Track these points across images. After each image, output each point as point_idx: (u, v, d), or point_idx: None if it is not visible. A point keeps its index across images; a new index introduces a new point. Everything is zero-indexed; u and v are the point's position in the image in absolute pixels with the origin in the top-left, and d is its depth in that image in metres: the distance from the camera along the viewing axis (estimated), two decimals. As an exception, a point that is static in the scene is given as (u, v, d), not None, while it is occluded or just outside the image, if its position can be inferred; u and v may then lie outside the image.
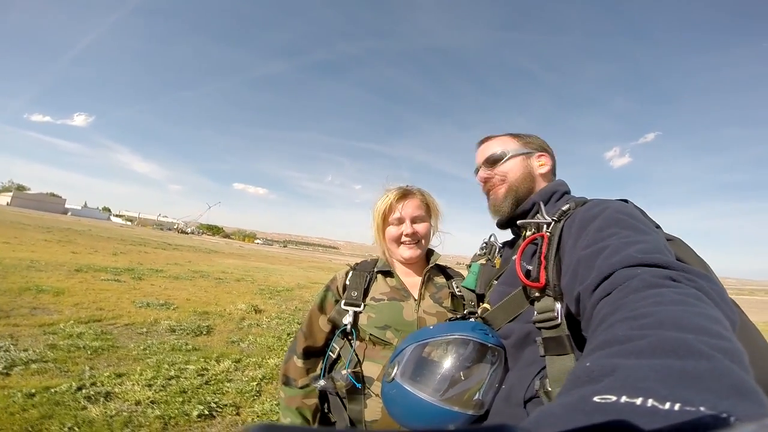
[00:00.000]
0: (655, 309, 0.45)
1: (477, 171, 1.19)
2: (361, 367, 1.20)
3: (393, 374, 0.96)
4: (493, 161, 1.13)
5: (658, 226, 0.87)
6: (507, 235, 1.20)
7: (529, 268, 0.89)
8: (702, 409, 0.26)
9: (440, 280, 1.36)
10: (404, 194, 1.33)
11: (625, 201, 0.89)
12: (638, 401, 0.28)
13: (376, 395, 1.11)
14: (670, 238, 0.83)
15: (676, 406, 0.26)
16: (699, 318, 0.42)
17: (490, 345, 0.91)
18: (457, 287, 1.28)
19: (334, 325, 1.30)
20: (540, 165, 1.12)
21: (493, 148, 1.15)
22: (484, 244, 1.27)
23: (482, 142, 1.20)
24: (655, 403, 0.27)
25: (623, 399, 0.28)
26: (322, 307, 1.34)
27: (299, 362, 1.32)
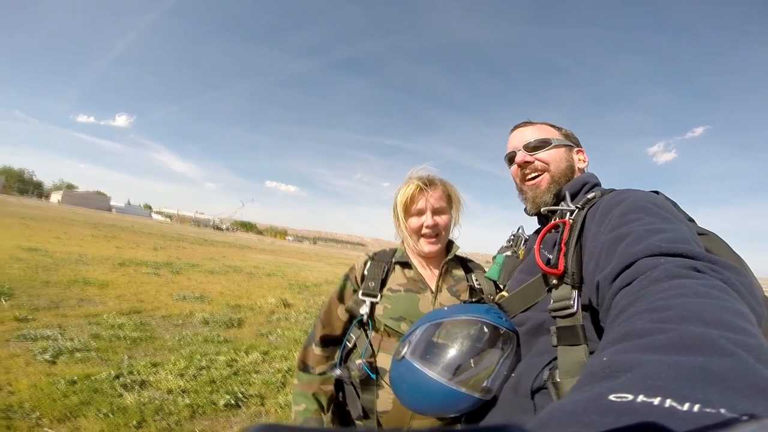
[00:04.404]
0: (677, 301, 0.43)
1: (510, 155, 1.14)
2: (375, 357, 1.20)
3: (403, 353, 0.95)
4: (534, 147, 1.08)
5: (691, 219, 0.83)
6: (535, 225, 1.18)
7: (550, 256, 0.87)
8: (722, 411, 0.24)
9: (459, 272, 1.33)
10: (426, 184, 1.28)
11: (656, 192, 0.85)
12: (656, 401, 0.26)
13: (389, 386, 1.11)
14: (703, 232, 0.79)
15: (696, 408, 0.25)
16: (723, 312, 0.40)
17: (502, 329, 0.89)
18: (476, 280, 1.26)
19: (352, 315, 1.30)
20: (580, 160, 1.10)
21: (535, 133, 1.10)
22: (512, 236, 1.25)
23: (520, 125, 1.16)
24: (674, 404, 0.25)
25: (640, 398, 0.27)
26: (341, 296, 1.34)
27: (317, 350, 1.33)
